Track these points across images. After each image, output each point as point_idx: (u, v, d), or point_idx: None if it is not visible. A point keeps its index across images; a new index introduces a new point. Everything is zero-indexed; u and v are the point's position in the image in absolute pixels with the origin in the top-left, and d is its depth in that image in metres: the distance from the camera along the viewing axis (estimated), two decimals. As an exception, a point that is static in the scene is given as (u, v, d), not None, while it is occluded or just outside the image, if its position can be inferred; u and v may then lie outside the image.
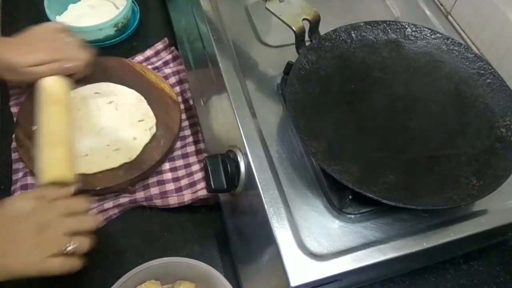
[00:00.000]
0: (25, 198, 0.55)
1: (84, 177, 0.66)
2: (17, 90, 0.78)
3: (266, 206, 0.51)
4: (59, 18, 0.85)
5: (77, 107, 0.74)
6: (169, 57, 0.86)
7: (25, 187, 0.67)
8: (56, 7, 0.86)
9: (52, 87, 0.67)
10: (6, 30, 0.89)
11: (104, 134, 0.71)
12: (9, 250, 0.49)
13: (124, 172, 0.68)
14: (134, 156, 0.69)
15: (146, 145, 0.71)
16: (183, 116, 0.78)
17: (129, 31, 0.88)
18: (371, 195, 0.48)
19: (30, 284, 0.62)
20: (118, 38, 0.87)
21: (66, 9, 0.89)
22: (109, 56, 0.81)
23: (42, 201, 0.53)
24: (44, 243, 0.50)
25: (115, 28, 0.85)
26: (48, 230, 0.51)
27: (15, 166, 0.70)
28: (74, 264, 0.52)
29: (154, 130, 0.72)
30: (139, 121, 0.72)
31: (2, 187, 0.69)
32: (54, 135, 0.63)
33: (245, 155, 0.55)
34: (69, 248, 0.51)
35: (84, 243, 0.53)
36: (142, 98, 0.75)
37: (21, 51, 0.67)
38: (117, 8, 0.90)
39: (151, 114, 0.74)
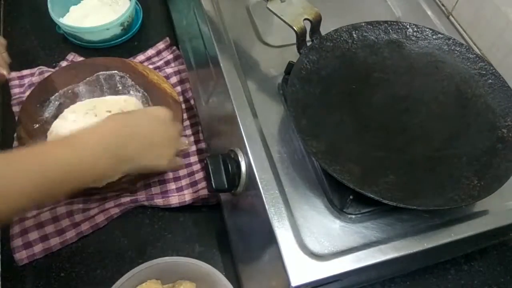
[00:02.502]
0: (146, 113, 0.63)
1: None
2: (19, 89, 0.79)
3: (267, 206, 0.51)
4: (62, 20, 0.85)
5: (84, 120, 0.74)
6: (170, 56, 0.86)
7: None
8: (59, 9, 0.86)
9: None
10: (7, 30, 0.89)
11: None
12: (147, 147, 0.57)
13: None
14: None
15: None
16: (184, 115, 0.78)
17: (134, 30, 0.89)
18: (372, 195, 0.48)
19: (32, 284, 0.62)
20: (123, 38, 0.87)
21: (68, 10, 0.89)
22: (111, 57, 0.81)
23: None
24: (169, 144, 0.61)
25: (121, 27, 0.85)
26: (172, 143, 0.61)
27: (16, 165, 0.70)
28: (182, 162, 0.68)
29: None
30: None
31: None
32: None
33: (246, 155, 0.55)
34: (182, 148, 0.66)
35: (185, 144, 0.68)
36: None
37: None
38: (117, 8, 0.90)
39: None
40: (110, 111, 0.75)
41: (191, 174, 0.72)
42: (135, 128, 0.57)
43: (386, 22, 0.64)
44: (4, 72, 0.69)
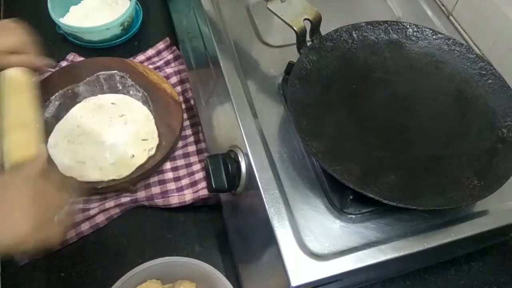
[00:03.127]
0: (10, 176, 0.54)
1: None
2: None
3: (267, 206, 0.51)
4: (62, 20, 0.85)
5: (92, 114, 0.75)
6: (170, 56, 0.86)
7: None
8: (59, 9, 0.86)
9: (16, 75, 0.66)
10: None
11: (106, 146, 0.71)
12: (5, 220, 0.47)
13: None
14: (124, 175, 0.68)
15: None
16: (184, 115, 0.78)
17: (134, 30, 0.89)
18: (372, 195, 0.48)
19: (32, 284, 0.62)
20: (123, 38, 0.87)
21: (68, 11, 0.89)
22: (111, 57, 0.81)
23: (31, 176, 0.52)
24: (39, 211, 0.49)
25: (121, 27, 0.85)
26: (41, 199, 0.50)
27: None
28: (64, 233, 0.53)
29: (152, 152, 0.71)
30: (143, 140, 0.72)
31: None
32: (18, 120, 0.61)
33: (246, 155, 0.55)
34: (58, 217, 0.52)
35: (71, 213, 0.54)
36: (151, 117, 0.75)
37: None
38: (117, 8, 0.90)
39: (156, 135, 0.73)
40: (114, 103, 0.76)
41: (191, 174, 0.72)
42: None
43: (386, 22, 0.64)
44: (36, 60, 0.68)
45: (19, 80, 0.66)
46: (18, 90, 0.65)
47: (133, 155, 0.70)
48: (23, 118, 0.62)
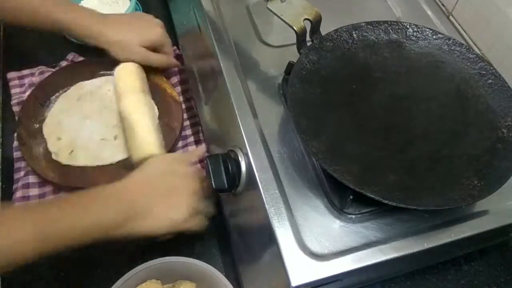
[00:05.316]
0: (162, 160, 0.62)
1: (88, 172, 0.68)
2: (19, 89, 0.79)
3: (267, 206, 0.51)
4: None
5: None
6: (170, 56, 0.86)
7: (26, 186, 0.67)
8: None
9: (130, 74, 0.72)
10: (7, 30, 0.89)
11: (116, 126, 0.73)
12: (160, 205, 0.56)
13: (126, 171, 0.67)
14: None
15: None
16: (185, 115, 0.78)
17: (133, 30, 0.89)
18: (372, 195, 0.48)
19: (32, 284, 0.62)
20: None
21: (69, 10, 0.89)
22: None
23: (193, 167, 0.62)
24: (194, 204, 0.57)
25: (121, 27, 0.85)
26: (197, 194, 0.58)
27: (16, 165, 0.70)
28: (208, 223, 0.61)
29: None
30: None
31: (4, 186, 0.69)
32: (139, 121, 0.68)
33: (246, 155, 0.55)
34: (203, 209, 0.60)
35: (213, 208, 0.62)
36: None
37: (130, 29, 0.73)
38: (117, 8, 0.90)
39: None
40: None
41: (191, 174, 0.71)
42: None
43: (386, 22, 0.64)
44: (171, 61, 0.77)
45: (133, 80, 0.72)
46: (133, 90, 0.71)
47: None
48: (144, 117, 0.69)
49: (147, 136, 0.67)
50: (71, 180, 0.67)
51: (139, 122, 0.68)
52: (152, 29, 0.74)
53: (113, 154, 0.70)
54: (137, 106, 0.69)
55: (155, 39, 0.73)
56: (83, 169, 0.69)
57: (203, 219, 0.60)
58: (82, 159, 0.69)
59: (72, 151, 0.70)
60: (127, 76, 0.72)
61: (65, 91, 0.76)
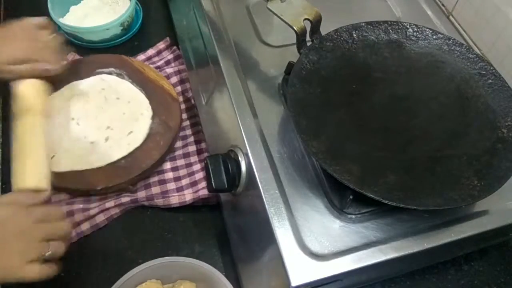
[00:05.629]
0: (0, 204, 0.54)
1: (86, 174, 0.67)
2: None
3: (267, 206, 0.51)
4: (62, 20, 0.85)
5: (87, 99, 0.74)
6: (170, 56, 0.86)
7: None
8: (59, 9, 0.86)
9: (28, 92, 0.63)
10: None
11: (108, 128, 0.72)
12: None
13: (124, 172, 0.68)
14: (131, 149, 0.69)
15: (145, 142, 0.71)
16: (185, 115, 0.78)
17: (134, 30, 0.89)
18: (372, 196, 0.48)
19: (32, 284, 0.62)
20: (123, 38, 0.87)
21: (68, 11, 0.89)
22: (108, 54, 0.81)
23: (18, 207, 0.52)
24: (23, 249, 0.50)
25: (121, 27, 0.85)
26: (26, 236, 0.50)
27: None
28: (52, 269, 0.51)
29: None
30: (141, 114, 0.73)
31: (4, 186, 0.69)
32: (27, 146, 0.60)
33: (246, 155, 0.55)
34: (47, 253, 0.51)
35: (60, 249, 0.53)
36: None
37: None
38: (117, 8, 0.90)
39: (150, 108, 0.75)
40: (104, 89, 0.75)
41: (191, 174, 0.71)
42: None
43: (386, 22, 0.64)
44: (48, 67, 0.64)
45: (31, 96, 0.63)
46: (28, 108, 0.62)
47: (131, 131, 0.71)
48: (32, 142, 0.60)
49: (34, 167, 0.59)
50: (68, 181, 0.67)
51: (32, 150, 0.60)
52: (9, 46, 0.63)
53: (102, 158, 0.68)
54: (33, 132, 0.61)
55: (16, 56, 0.62)
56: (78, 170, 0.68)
57: (44, 266, 0.51)
58: (63, 165, 0.67)
59: (53, 156, 0.67)
60: (28, 93, 0.63)
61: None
